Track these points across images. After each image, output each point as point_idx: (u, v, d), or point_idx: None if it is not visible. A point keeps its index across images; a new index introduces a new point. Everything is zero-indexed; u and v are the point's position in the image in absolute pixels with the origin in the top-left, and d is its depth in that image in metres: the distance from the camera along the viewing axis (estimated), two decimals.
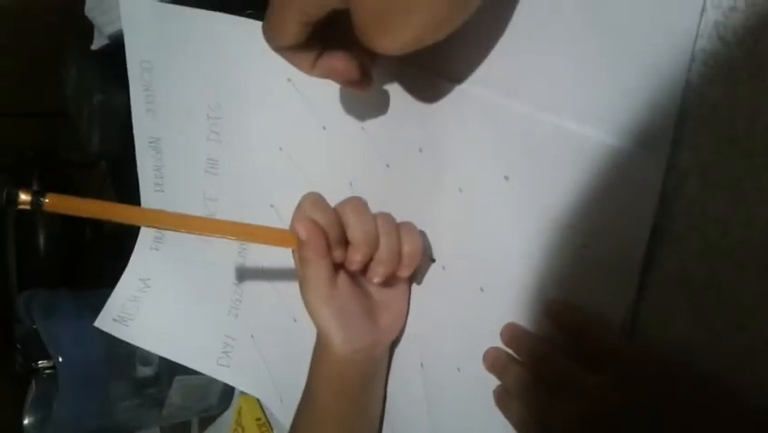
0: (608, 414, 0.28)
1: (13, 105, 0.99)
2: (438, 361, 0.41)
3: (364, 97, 0.42)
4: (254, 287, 0.57)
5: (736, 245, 0.27)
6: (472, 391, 0.38)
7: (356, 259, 0.39)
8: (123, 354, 0.65)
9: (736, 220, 0.27)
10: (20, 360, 0.67)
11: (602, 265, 0.31)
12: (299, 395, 0.45)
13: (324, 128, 0.49)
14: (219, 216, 0.57)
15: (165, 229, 0.59)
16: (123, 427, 0.70)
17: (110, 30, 0.64)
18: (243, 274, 0.57)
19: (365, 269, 0.40)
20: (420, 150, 0.41)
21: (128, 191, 0.64)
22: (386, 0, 0.29)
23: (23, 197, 0.33)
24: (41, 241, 1.00)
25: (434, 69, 0.39)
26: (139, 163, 0.60)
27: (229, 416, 0.70)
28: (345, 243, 0.39)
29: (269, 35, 0.36)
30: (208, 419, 0.74)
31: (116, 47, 0.59)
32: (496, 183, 0.36)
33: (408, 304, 0.43)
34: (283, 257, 0.45)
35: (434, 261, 0.41)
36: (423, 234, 0.41)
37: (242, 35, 0.50)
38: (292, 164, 0.51)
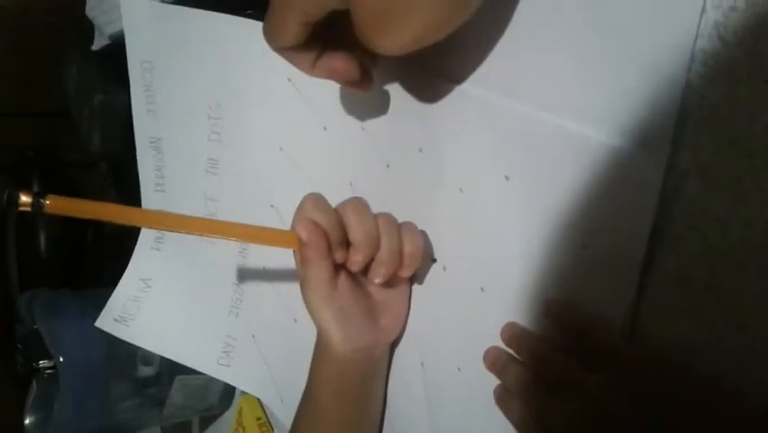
0: (609, 414, 0.28)
1: (13, 105, 0.99)
2: (438, 360, 0.41)
3: (364, 98, 0.42)
4: (255, 287, 0.57)
5: (736, 245, 0.27)
6: (473, 390, 0.38)
7: (357, 260, 0.39)
8: (123, 353, 0.65)
9: (736, 220, 0.27)
10: (21, 360, 0.67)
11: (602, 265, 0.31)
12: (300, 395, 0.45)
13: (324, 128, 0.49)
14: (220, 216, 0.57)
15: (166, 230, 0.59)
16: (124, 426, 0.70)
17: (111, 30, 0.64)
18: (244, 274, 0.57)
19: (366, 269, 0.40)
20: (420, 150, 0.41)
21: (129, 191, 0.64)
22: (386, 0, 0.29)
23: (24, 198, 0.33)
24: (42, 242, 1.00)
25: (434, 69, 0.39)
26: (140, 163, 0.60)
27: (230, 416, 0.70)
28: (346, 243, 0.39)
29: (270, 36, 0.36)
30: (209, 418, 0.74)
31: (117, 47, 0.59)
32: (496, 183, 0.36)
33: (409, 304, 0.43)
34: (284, 257, 0.45)
35: (435, 261, 0.41)
36: (424, 234, 0.41)
37: (243, 35, 0.50)
38: (292, 164, 0.51)
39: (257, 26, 0.38)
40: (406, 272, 0.40)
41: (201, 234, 0.37)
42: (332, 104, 0.47)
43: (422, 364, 0.42)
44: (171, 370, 0.67)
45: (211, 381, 0.66)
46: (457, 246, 0.40)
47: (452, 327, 0.40)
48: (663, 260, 0.30)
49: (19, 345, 0.68)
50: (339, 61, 0.37)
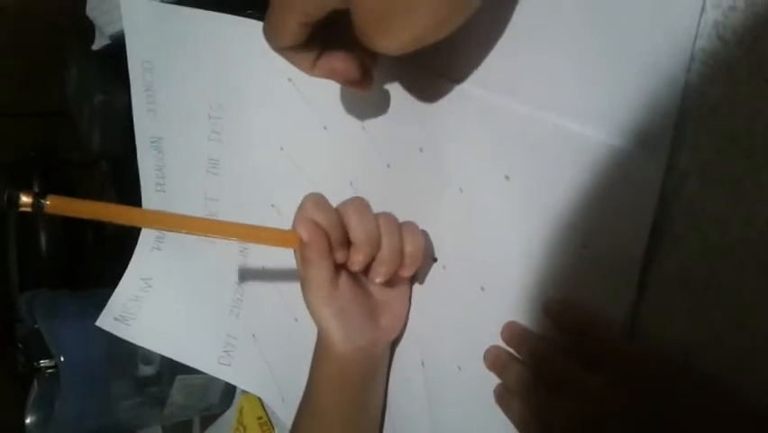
0: (609, 414, 0.28)
1: (13, 105, 0.99)
2: (439, 359, 0.41)
3: (365, 97, 0.42)
4: (255, 286, 0.57)
5: (736, 245, 0.27)
6: (473, 389, 0.38)
7: (358, 259, 0.39)
8: (124, 353, 0.65)
9: (736, 219, 0.27)
10: (22, 360, 0.67)
11: (602, 265, 0.31)
12: (301, 394, 0.45)
13: (324, 128, 0.49)
14: (220, 216, 0.57)
15: (167, 230, 0.59)
16: (125, 426, 0.70)
17: (111, 30, 0.64)
18: (245, 274, 0.57)
19: (367, 268, 0.40)
20: (421, 150, 0.41)
21: (129, 191, 0.64)
22: (386, 0, 0.29)
23: (24, 199, 0.33)
24: (43, 242, 1.00)
25: (434, 69, 0.39)
26: (140, 163, 0.60)
27: (230, 415, 0.70)
28: (347, 243, 0.39)
29: (270, 35, 0.36)
30: (210, 417, 0.74)
31: (117, 47, 0.59)
32: (496, 183, 0.36)
33: (409, 303, 0.44)
34: (284, 257, 0.45)
35: (435, 260, 0.41)
36: (425, 233, 0.41)
37: (243, 35, 0.50)
38: (293, 164, 0.51)
39: (257, 26, 0.38)
40: (406, 272, 0.40)
41: (202, 234, 0.37)
42: (332, 103, 0.47)
43: (422, 363, 0.43)
44: (172, 369, 0.67)
45: (212, 380, 0.66)
46: (457, 246, 0.40)
47: (452, 326, 0.40)
48: (663, 259, 0.30)
49: (20, 345, 0.68)
50: (339, 61, 0.37)
